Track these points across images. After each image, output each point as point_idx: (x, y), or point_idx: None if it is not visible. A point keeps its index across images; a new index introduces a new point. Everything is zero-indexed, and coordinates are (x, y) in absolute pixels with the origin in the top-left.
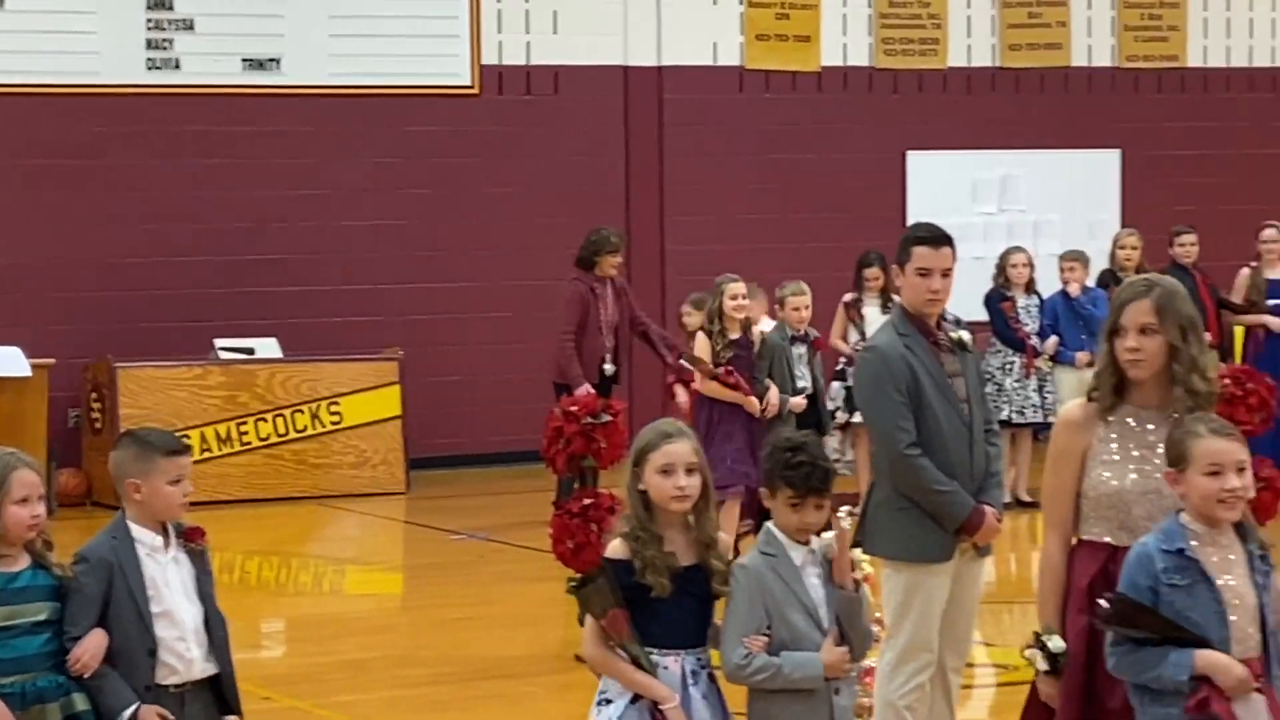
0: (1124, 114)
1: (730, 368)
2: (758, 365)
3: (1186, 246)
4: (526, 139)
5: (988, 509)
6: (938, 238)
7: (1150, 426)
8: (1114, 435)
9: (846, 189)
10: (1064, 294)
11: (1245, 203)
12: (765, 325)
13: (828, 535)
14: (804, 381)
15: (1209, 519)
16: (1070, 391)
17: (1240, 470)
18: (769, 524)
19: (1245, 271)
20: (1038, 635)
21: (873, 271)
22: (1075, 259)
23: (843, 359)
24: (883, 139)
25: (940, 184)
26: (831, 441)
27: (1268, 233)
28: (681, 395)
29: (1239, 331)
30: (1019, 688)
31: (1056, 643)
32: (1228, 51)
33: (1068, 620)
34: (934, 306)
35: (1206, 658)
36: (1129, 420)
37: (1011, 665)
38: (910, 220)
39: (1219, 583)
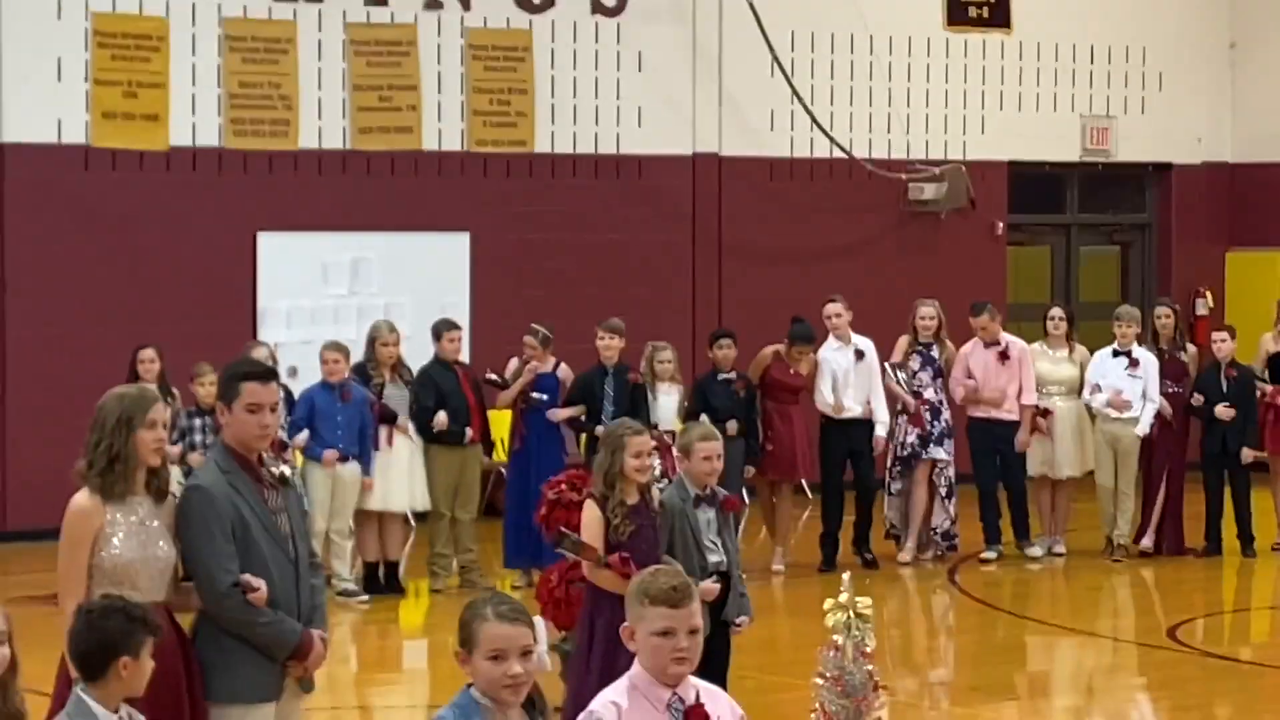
0: (474, 197)
1: (627, 554)
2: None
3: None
4: None
5: (315, 634)
6: (268, 373)
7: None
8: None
9: (197, 270)
10: (325, 385)
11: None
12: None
13: None
14: (716, 555)
15: (496, 700)
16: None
17: (525, 654)
18: None
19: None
20: None
21: None
22: (338, 350)
23: None
24: (233, 219)
25: (291, 266)
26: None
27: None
28: None
29: None
30: None
31: None
32: (574, 138)
33: None
34: (264, 441)
35: None
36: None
37: None
38: (261, 302)
39: None
